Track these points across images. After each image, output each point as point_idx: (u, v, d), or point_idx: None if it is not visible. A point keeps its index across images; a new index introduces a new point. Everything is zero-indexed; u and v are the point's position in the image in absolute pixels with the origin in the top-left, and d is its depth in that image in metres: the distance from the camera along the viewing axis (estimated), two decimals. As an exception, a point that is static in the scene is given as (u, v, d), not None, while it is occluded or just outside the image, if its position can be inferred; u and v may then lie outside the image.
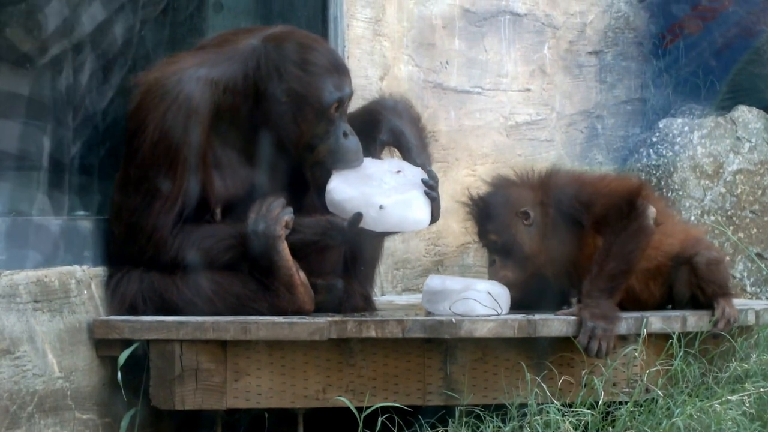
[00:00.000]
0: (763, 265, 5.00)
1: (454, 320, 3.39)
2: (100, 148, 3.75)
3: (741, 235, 5.05)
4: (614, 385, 3.45)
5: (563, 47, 5.28)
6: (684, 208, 5.05)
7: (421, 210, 3.49)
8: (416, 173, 3.54)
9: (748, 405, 3.42)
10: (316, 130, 3.49)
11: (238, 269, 3.47)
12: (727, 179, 5.10)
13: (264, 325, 3.33)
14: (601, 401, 3.36)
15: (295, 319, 3.37)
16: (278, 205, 3.45)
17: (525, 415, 3.34)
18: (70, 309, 3.28)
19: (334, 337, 3.35)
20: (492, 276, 3.63)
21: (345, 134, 3.51)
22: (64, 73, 3.58)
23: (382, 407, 3.33)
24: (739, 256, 5.05)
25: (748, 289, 5.04)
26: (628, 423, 3.35)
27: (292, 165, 3.56)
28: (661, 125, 5.22)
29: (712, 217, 5.03)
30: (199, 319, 3.34)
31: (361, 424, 3.26)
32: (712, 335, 3.63)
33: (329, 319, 3.37)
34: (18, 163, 3.46)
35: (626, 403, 3.40)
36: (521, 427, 3.32)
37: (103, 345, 3.33)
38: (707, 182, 5.10)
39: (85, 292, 3.35)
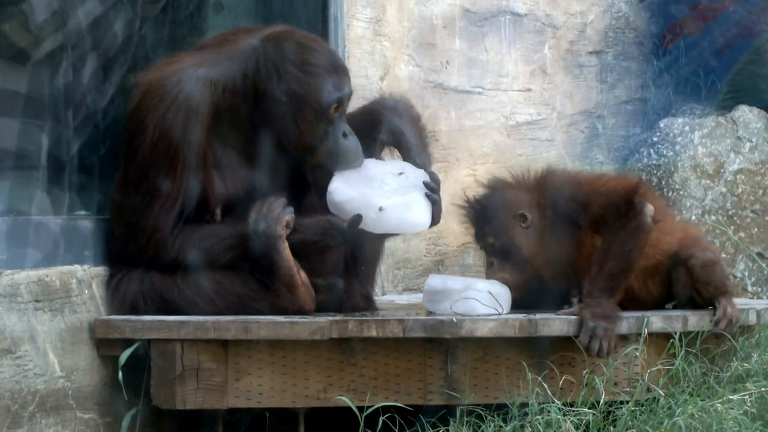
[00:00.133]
0: (764, 265, 5.00)
1: (455, 320, 3.39)
2: (100, 148, 3.75)
3: (742, 234, 5.05)
4: (615, 384, 3.45)
5: (564, 47, 5.28)
6: (685, 208, 5.05)
7: (421, 212, 3.48)
8: (418, 175, 3.54)
9: (749, 404, 3.42)
10: (316, 131, 3.49)
11: (238, 269, 3.47)
12: (728, 179, 5.10)
13: (265, 324, 3.33)
14: (602, 401, 3.36)
15: (296, 318, 3.37)
16: (279, 204, 3.45)
17: (526, 414, 3.34)
18: (71, 308, 3.28)
19: (335, 337, 3.35)
20: (490, 278, 3.62)
21: (344, 134, 3.51)
22: (64, 72, 3.58)
23: (383, 407, 3.32)
24: (740, 256, 5.05)
25: (749, 288, 5.04)
26: (630, 422, 3.35)
27: (292, 165, 3.56)
28: (661, 125, 5.22)
29: (713, 217, 5.03)
30: (200, 318, 3.34)
31: (362, 424, 3.26)
32: (713, 335, 3.63)
33: (330, 318, 3.37)
34: (18, 162, 3.46)
35: (627, 402, 3.40)
36: (522, 426, 3.32)
37: (104, 344, 3.33)
38: (708, 182, 5.10)
39: (86, 291, 3.35)
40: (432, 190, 3.49)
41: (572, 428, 3.26)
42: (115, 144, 3.65)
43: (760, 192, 5.12)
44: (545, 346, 3.46)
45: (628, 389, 3.47)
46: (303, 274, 3.47)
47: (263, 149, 3.53)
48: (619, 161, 5.28)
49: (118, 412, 3.33)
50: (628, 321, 3.49)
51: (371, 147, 3.64)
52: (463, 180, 4.68)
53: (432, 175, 3.52)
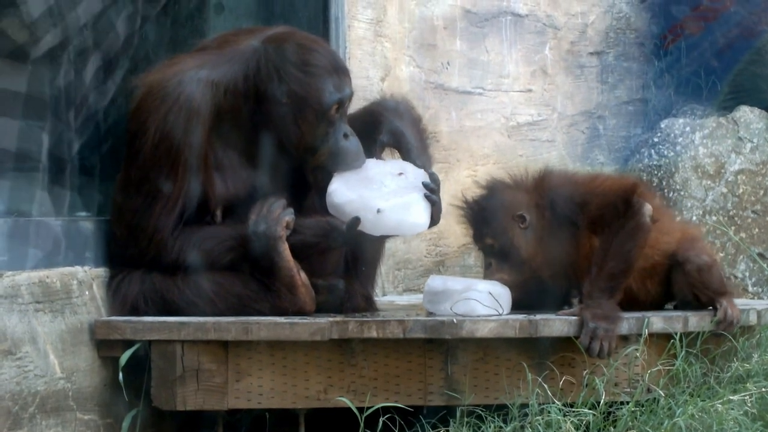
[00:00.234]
0: (764, 265, 4.99)
1: (455, 320, 3.39)
2: (101, 148, 3.76)
3: (743, 235, 5.05)
4: (616, 385, 3.45)
5: (564, 48, 5.28)
6: (686, 209, 5.05)
7: (420, 214, 3.48)
8: (418, 175, 3.54)
9: (749, 405, 3.41)
10: (317, 132, 3.49)
11: (239, 270, 3.47)
12: (729, 179, 5.09)
13: (265, 325, 3.33)
14: (602, 401, 3.36)
15: (296, 319, 3.37)
16: (279, 206, 3.45)
17: (526, 415, 3.34)
18: (71, 310, 3.28)
19: (335, 338, 3.35)
20: (488, 279, 3.62)
21: (345, 135, 3.51)
22: (64, 71, 3.58)
23: (383, 407, 3.32)
24: (741, 257, 5.05)
25: (750, 289, 5.04)
26: (630, 423, 3.35)
27: (293, 166, 3.56)
28: (662, 125, 5.22)
29: (714, 218, 5.03)
30: (201, 319, 3.34)
31: (362, 425, 3.26)
32: (713, 335, 3.63)
33: (330, 319, 3.37)
34: (18, 162, 3.46)
35: (628, 403, 3.40)
36: (522, 427, 3.32)
37: (105, 346, 3.34)
38: (709, 182, 5.10)
39: (87, 292, 3.35)
40: (431, 191, 3.49)
41: (572, 429, 3.26)
42: (116, 145, 3.65)
43: (761, 192, 5.12)
44: (545, 346, 3.45)
45: (628, 390, 3.47)
46: (303, 275, 3.47)
47: (264, 150, 3.53)
48: (620, 162, 5.28)
49: (118, 413, 3.34)
50: (628, 321, 3.49)
51: (372, 148, 3.64)
52: (463, 181, 4.68)
53: (432, 176, 3.52)
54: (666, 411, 3.37)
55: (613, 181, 3.74)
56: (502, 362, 3.45)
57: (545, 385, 3.38)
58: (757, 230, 5.09)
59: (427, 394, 3.42)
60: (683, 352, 3.51)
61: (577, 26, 5.32)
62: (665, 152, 5.14)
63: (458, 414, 3.39)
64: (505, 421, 3.34)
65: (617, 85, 5.42)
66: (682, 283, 3.69)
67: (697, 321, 3.61)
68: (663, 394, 3.42)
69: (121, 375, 3.27)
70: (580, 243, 3.61)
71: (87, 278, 3.37)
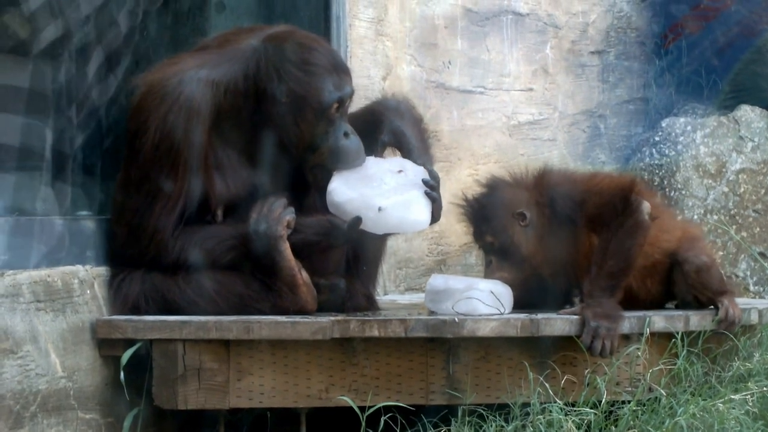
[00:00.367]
0: (766, 264, 4.99)
1: (456, 319, 3.39)
2: (102, 147, 3.75)
3: (744, 234, 5.05)
4: (617, 384, 3.45)
5: (565, 47, 5.28)
6: (687, 208, 5.05)
7: (421, 211, 3.48)
8: (417, 172, 3.53)
9: (751, 404, 3.41)
10: (317, 131, 3.49)
11: (240, 269, 3.47)
12: (730, 178, 5.09)
13: (267, 324, 3.33)
14: (603, 400, 3.36)
15: (297, 318, 3.37)
16: (280, 205, 3.45)
17: (528, 414, 3.34)
18: (73, 309, 3.28)
19: (337, 337, 3.35)
20: (488, 277, 3.62)
21: (346, 134, 3.51)
22: (66, 70, 3.58)
23: (384, 407, 3.32)
24: (742, 256, 5.05)
25: (751, 288, 5.04)
26: (631, 422, 3.35)
27: (294, 165, 3.56)
28: (663, 124, 5.22)
29: (715, 217, 5.03)
30: (202, 318, 3.34)
31: (363, 424, 3.26)
32: (715, 334, 3.63)
33: (332, 318, 3.37)
34: (19, 162, 3.46)
35: (629, 402, 3.40)
36: (524, 426, 3.32)
37: (106, 345, 3.34)
38: (710, 181, 5.09)
39: (88, 291, 3.35)
40: (431, 188, 3.49)
41: (574, 428, 3.26)
42: (117, 144, 3.65)
43: (762, 191, 5.12)
44: (547, 345, 3.45)
45: (629, 389, 3.47)
46: (305, 274, 3.47)
47: (264, 149, 3.53)
48: (621, 161, 5.28)
49: (119, 413, 3.34)
50: (629, 321, 3.49)
51: (373, 147, 3.64)
52: (465, 180, 4.68)
53: (431, 173, 3.52)
54: (667, 410, 3.37)
55: (611, 179, 3.74)
56: (504, 361, 3.45)
57: (547, 384, 3.38)
58: (758, 229, 5.09)
59: (429, 393, 3.42)
60: (685, 352, 3.51)
61: (578, 25, 5.32)
62: (666, 151, 5.14)
63: (460, 413, 3.39)
64: (506, 421, 3.34)
65: (618, 84, 5.42)
66: (682, 283, 3.69)
67: (698, 320, 3.61)
68: (664, 394, 3.42)
69: (122, 374, 3.27)
70: (580, 241, 3.60)
71: (88, 277, 3.37)
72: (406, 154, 3.64)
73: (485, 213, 3.67)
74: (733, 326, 3.65)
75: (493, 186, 3.72)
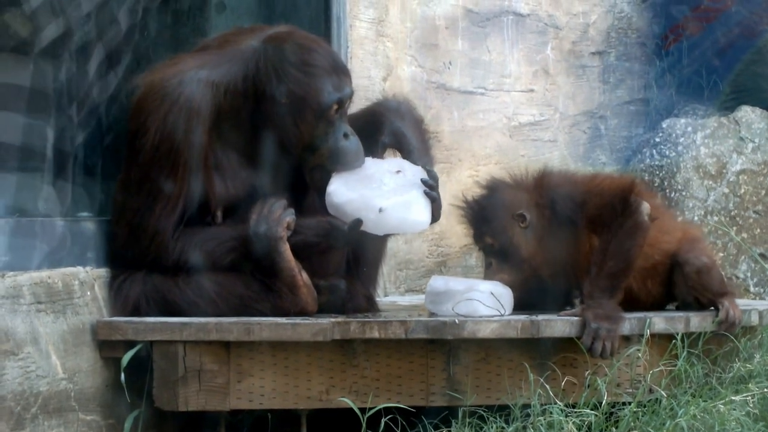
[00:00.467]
0: (766, 266, 4.99)
1: (457, 321, 3.39)
2: (103, 146, 3.75)
3: (744, 235, 5.05)
4: (617, 385, 3.45)
5: (566, 48, 5.28)
6: (687, 209, 5.05)
7: (421, 211, 3.48)
8: (416, 172, 3.53)
9: (751, 405, 3.41)
10: (316, 132, 3.49)
11: (240, 271, 3.47)
12: (731, 179, 5.09)
13: (267, 326, 3.33)
14: (604, 402, 3.36)
15: (298, 320, 3.37)
16: (280, 206, 3.45)
17: (528, 415, 3.34)
18: (73, 310, 3.28)
19: (337, 338, 3.35)
20: (488, 279, 3.62)
21: (345, 135, 3.51)
22: (67, 69, 3.58)
23: (385, 408, 3.32)
24: (743, 257, 5.05)
25: (752, 289, 5.04)
26: (632, 423, 3.35)
27: (294, 166, 3.56)
28: (664, 125, 5.22)
29: (716, 218, 5.03)
30: (203, 320, 3.34)
31: (364, 425, 3.26)
32: (715, 335, 3.63)
33: (332, 320, 3.37)
34: (20, 161, 3.46)
35: (630, 403, 3.40)
36: (524, 427, 3.32)
37: (107, 346, 3.34)
38: (710, 182, 5.09)
39: (89, 293, 3.35)
40: (430, 188, 3.49)
41: (574, 429, 3.26)
42: (118, 145, 3.65)
43: (763, 192, 5.12)
44: (547, 347, 3.45)
45: (630, 390, 3.47)
46: (305, 275, 3.47)
47: (264, 150, 3.53)
48: (621, 162, 5.28)
49: (120, 414, 3.34)
50: (630, 322, 3.49)
51: (373, 149, 3.64)
52: (465, 181, 4.68)
53: (430, 173, 3.52)
54: (668, 411, 3.37)
55: (611, 180, 3.74)
56: (504, 363, 3.45)
57: (547, 386, 3.38)
58: (758, 230, 5.09)
59: (429, 395, 3.42)
60: (685, 353, 3.51)
61: (579, 26, 5.31)
62: (667, 152, 5.14)
63: (460, 414, 3.39)
64: (507, 422, 3.34)
65: (619, 85, 5.42)
66: (682, 284, 3.69)
67: (698, 321, 3.61)
68: (665, 395, 3.42)
69: (123, 375, 3.27)
70: (580, 242, 3.61)
71: (89, 279, 3.37)
72: (407, 155, 3.63)
73: (485, 214, 3.67)
74: (734, 327, 3.65)
75: (493, 187, 3.72)
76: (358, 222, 3.43)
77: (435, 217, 3.53)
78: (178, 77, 3.42)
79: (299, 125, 3.47)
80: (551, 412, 3.30)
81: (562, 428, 3.27)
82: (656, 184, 5.06)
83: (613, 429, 3.35)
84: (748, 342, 3.71)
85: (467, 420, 3.37)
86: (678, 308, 3.78)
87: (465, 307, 3.47)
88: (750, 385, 3.51)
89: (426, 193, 3.48)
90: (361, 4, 4.55)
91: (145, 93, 3.42)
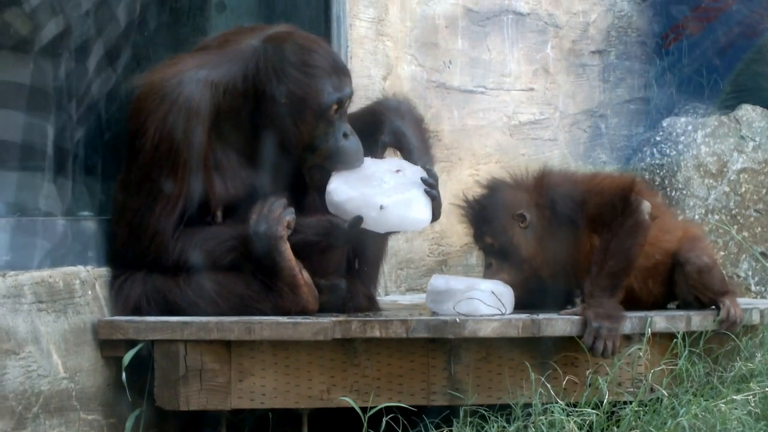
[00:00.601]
0: (767, 264, 4.99)
1: (458, 320, 3.39)
2: (103, 148, 3.75)
3: (745, 234, 5.05)
4: (619, 384, 3.45)
5: (566, 46, 5.28)
6: (688, 207, 5.05)
7: (422, 209, 3.49)
8: (416, 172, 3.54)
9: (753, 404, 3.41)
10: (316, 132, 3.49)
11: (241, 270, 3.47)
12: (731, 178, 5.09)
13: (268, 325, 3.33)
14: (605, 401, 3.36)
15: (299, 319, 3.37)
16: (280, 205, 3.45)
17: (529, 414, 3.34)
18: (74, 309, 3.28)
19: (338, 337, 3.35)
20: (488, 278, 3.62)
21: (345, 135, 3.51)
22: (68, 67, 3.57)
23: (386, 407, 3.32)
24: (744, 255, 5.05)
25: (753, 288, 5.04)
26: (633, 423, 3.35)
27: (293, 166, 3.56)
28: (664, 124, 5.22)
29: (716, 216, 5.03)
30: (203, 319, 3.34)
31: (365, 425, 3.26)
32: (716, 334, 3.62)
33: (333, 319, 3.37)
34: (21, 161, 3.46)
35: (631, 402, 3.40)
36: (526, 426, 3.32)
37: (108, 345, 3.34)
38: (711, 181, 5.09)
39: (90, 292, 3.35)
40: (430, 186, 3.49)
41: (575, 429, 3.26)
42: (118, 145, 3.65)
43: (764, 191, 5.12)
44: (548, 346, 3.45)
45: (631, 389, 3.47)
46: (306, 275, 3.47)
47: (264, 150, 3.53)
48: (621, 161, 5.28)
49: (121, 413, 3.34)
50: (631, 321, 3.49)
51: (373, 148, 3.64)
52: (465, 180, 4.68)
53: (429, 171, 3.52)
54: (669, 411, 3.37)
55: (612, 179, 3.74)
56: (505, 362, 3.45)
57: (548, 385, 3.38)
58: (759, 229, 5.09)
59: (430, 394, 3.42)
60: (686, 352, 3.51)
61: (579, 25, 5.31)
62: (667, 151, 5.14)
63: (461, 414, 3.39)
64: (508, 421, 3.34)
65: (619, 83, 5.42)
66: (683, 283, 3.69)
67: (700, 320, 3.61)
68: (666, 394, 3.42)
69: (124, 375, 3.27)
70: (581, 242, 3.60)
71: (89, 278, 3.36)
72: (407, 154, 3.64)
73: (485, 214, 3.67)
74: (735, 326, 3.65)
75: (493, 187, 3.72)
76: (359, 219, 3.43)
77: (435, 215, 3.54)
78: (177, 77, 3.42)
79: (299, 125, 3.47)
80: (552, 412, 3.30)
81: (564, 427, 3.27)
82: (657, 183, 5.06)
83: (615, 428, 3.35)
84: (750, 341, 3.71)
85: (468, 419, 3.37)
86: (679, 307, 3.78)
87: (466, 306, 3.47)
88: (751, 384, 3.51)
89: (426, 192, 3.49)
90: (360, 3, 4.55)
91: (145, 93, 3.42)
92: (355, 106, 3.68)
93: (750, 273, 5.05)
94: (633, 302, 3.62)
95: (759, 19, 5.30)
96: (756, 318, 3.76)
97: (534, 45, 5.16)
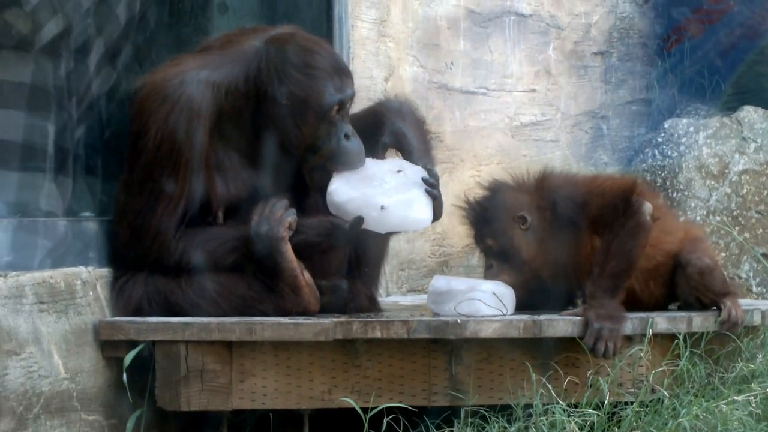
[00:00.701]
0: (768, 265, 5.00)
1: (459, 321, 3.39)
2: (104, 148, 3.75)
3: (747, 235, 5.05)
4: (620, 385, 3.45)
5: (568, 48, 5.28)
6: (689, 209, 5.04)
7: (423, 209, 3.49)
8: (417, 172, 3.54)
9: (754, 405, 3.41)
10: (318, 133, 3.49)
11: (242, 271, 3.47)
12: (733, 179, 5.09)
13: (269, 325, 3.33)
14: (606, 401, 3.36)
15: (300, 319, 3.37)
16: (281, 206, 3.45)
17: (530, 415, 3.34)
18: (75, 310, 3.28)
19: (339, 338, 3.35)
20: (488, 280, 3.62)
21: (347, 136, 3.51)
22: (69, 68, 3.58)
23: (387, 408, 3.32)
24: (745, 257, 5.05)
25: (754, 289, 5.04)
26: (634, 423, 3.35)
27: (295, 166, 3.56)
28: (666, 125, 5.22)
29: (718, 218, 5.03)
30: (205, 320, 3.34)
31: (366, 425, 3.26)
32: (718, 335, 3.62)
33: (334, 319, 3.37)
34: (22, 161, 3.46)
35: (632, 403, 3.40)
36: (527, 427, 3.32)
37: (109, 346, 3.34)
38: (713, 182, 5.09)
39: (91, 293, 3.35)
40: (431, 186, 3.49)
41: (577, 429, 3.26)
42: (120, 144, 3.65)
43: (765, 192, 5.11)
44: (549, 347, 3.45)
45: (632, 390, 3.47)
46: (307, 275, 3.47)
47: (266, 151, 3.53)
48: (623, 162, 5.28)
49: (122, 414, 3.34)
50: (632, 322, 3.49)
51: (374, 149, 3.64)
52: (467, 181, 4.68)
53: (430, 171, 3.52)
54: (670, 411, 3.37)
55: (613, 181, 3.74)
56: (506, 362, 3.45)
57: (549, 386, 3.37)
58: (761, 230, 5.09)
59: (432, 395, 3.42)
60: (687, 353, 3.51)
61: (581, 26, 5.32)
62: (669, 152, 5.14)
63: (462, 414, 3.39)
64: (509, 422, 3.34)
65: (621, 85, 5.42)
66: (684, 285, 3.69)
67: (701, 321, 3.61)
68: (667, 395, 3.41)
69: (125, 375, 3.27)
70: (582, 243, 3.60)
71: (91, 279, 3.37)
72: (407, 155, 3.64)
73: (486, 216, 3.67)
74: (736, 327, 3.65)
75: (495, 189, 3.73)
76: (360, 219, 3.43)
77: (436, 215, 3.54)
78: (179, 78, 3.42)
79: (301, 126, 3.48)
80: (553, 412, 3.30)
81: (564, 428, 3.26)
82: (658, 184, 5.06)
83: (616, 429, 3.35)
84: (751, 342, 3.71)
85: (469, 420, 3.37)
86: (680, 308, 3.78)
87: (467, 306, 3.47)
88: (752, 385, 3.51)
89: (427, 191, 3.49)
90: (362, 4, 4.55)
91: (147, 94, 3.43)
92: (357, 107, 3.68)
93: (751, 274, 5.05)
94: (634, 303, 3.61)
95: (761, 21, 5.31)
96: (757, 319, 3.75)
97: (536, 46, 5.16)
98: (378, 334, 3.36)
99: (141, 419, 3.34)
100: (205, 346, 3.33)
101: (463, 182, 4.67)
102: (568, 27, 5.27)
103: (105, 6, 3.73)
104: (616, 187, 3.62)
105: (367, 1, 4.57)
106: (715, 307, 3.68)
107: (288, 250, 3.43)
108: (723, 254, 4.98)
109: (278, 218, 3.43)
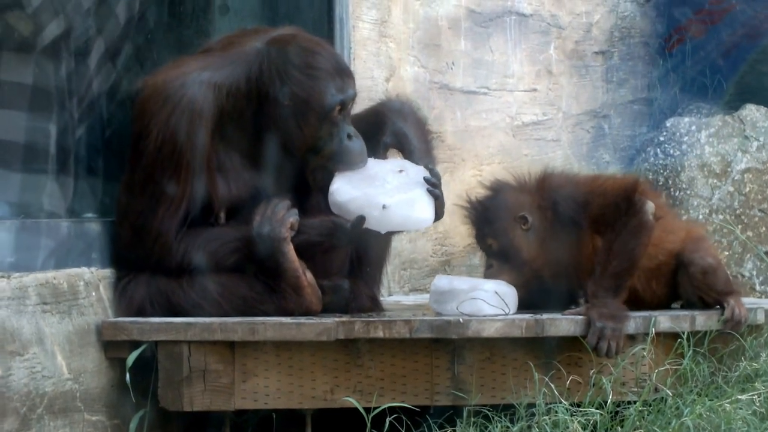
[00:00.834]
0: (771, 264, 4.99)
1: (461, 320, 3.39)
2: (106, 149, 3.76)
3: (749, 233, 5.04)
4: (623, 384, 3.45)
5: (569, 47, 5.28)
6: (692, 207, 5.04)
7: (425, 208, 3.49)
8: (419, 171, 3.54)
9: (758, 404, 3.41)
10: (320, 133, 3.49)
11: (244, 271, 3.47)
12: (735, 178, 5.09)
13: (271, 325, 3.34)
14: (609, 401, 3.35)
15: (302, 319, 3.37)
16: (283, 207, 3.46)
17: (533, 415, 3.34)
18: (78, 311, 3.28)
19: (341, 338, 3.35)
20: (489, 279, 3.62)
21: (348, 136, 3.51)
22: (70, 68, 3.58)
23: (389, 407, 3.32)
24: (748, 255, 5.04)
25: (757, 287, 5.03)
26: (637, 423, 3.34)
27: (296, 167, 3.56)
28: (668, 124, 5.21)
29: (720, 216, 5.03)
30: (207, 320, 3.35)
31: (368, 425, 3.26)
32: (721, 334, 3.62)
33: (337, 319, 3.37)
34: (24, 162, 3.47)
35: (635, 402, 3.39)
36: (529, 427, 3.32)
37: (112, 347, 3.34)
38: (715, 181, 5.09)
39: (94, 294, 3.36)
40: (433, 186, 3.50)
41: (579, 429, 3.25)
42: (123, 144, 3.65)
43: (768, 191, 5.11)
44: (552, 346, 3.45)
45: (635, 389, 3.46)
46: (309, 275, 3.48)
47: (267, 152, 3.54)
48: (625, 161, 5.28)
49: (125, 414, 3.34)
50: (635, 321, 3.49)
51: (375, 149, 3.65)
52: (468, 180, 4.68)
53: (432, 171, 3.52)
54: (674, 410, 3.37)
55: (615, 180, 3.74)
56: (509, 362, 3.45)
57: (552, 385, 3.37)
58: (764, 229, 5.09)
59: (434, 394, 3.42)
60: (690, 352, 3.50)
61: (582, 26, 5.31)
62: (671, 151, 5.14)
63: (465, 414, 3.39)
64: (512, 421, 3.34)
65: (622, 84, 5.42)
66: (687, 284, 3.69)
67: (704, 320, 3.61)
68: (670, 394, 3.41)
69: (128, 376, 3.28)
70: (583, 243, 3.60)
71: (94, 279, 3.37)
72: (408, 155, 3.64)
73: (487, 216, 3.67)
74: (740, 326, 3.65)
75: (496, 189, 3.73)
76: (362, 219, 3.43)
77: (438, 214, 3.54)
78: (180, 79, 3.42)
79: (302, 127, 3.48)
80: (556, 412, 3.30)
81: (567, 427, 3.26)
82: (660, 184, 5.06)
83: (619, 428, 3.35)
84: (754, 341, 3.70)
85: (472, 419, 3.37)
86: (682, 307, 3.78)
87: (469, 306, 3.47)
88: (756, 383, 3.50)
89: (429, 191, 3.49)
90: (363, 5, 4.55)
91: (148, 95, 3.43)
92: (358, 107, 3.68)
93: (755, 273, 5.05)
94: (636, 303, 3.61)
95: (763, 20, 5.30)
96: (761, 317, 3.75)
97: (537, 46, 5.16)
98: (380, 334, 3.36)
99: (144, 419, 3.34)
100: (207, 346, 3.33)
101: (464, 182, 4.67)
102: (569, 26, 5.27)
103: (106, 8, 3.73)
104: (617, 186, 3.62)
105: (367, 1, 4.57)
106: (718, 306, 3.68)
107: (290, 250, 3.44)
108: (726, 253, 4.97)
109: (280, 219, 3.43)
